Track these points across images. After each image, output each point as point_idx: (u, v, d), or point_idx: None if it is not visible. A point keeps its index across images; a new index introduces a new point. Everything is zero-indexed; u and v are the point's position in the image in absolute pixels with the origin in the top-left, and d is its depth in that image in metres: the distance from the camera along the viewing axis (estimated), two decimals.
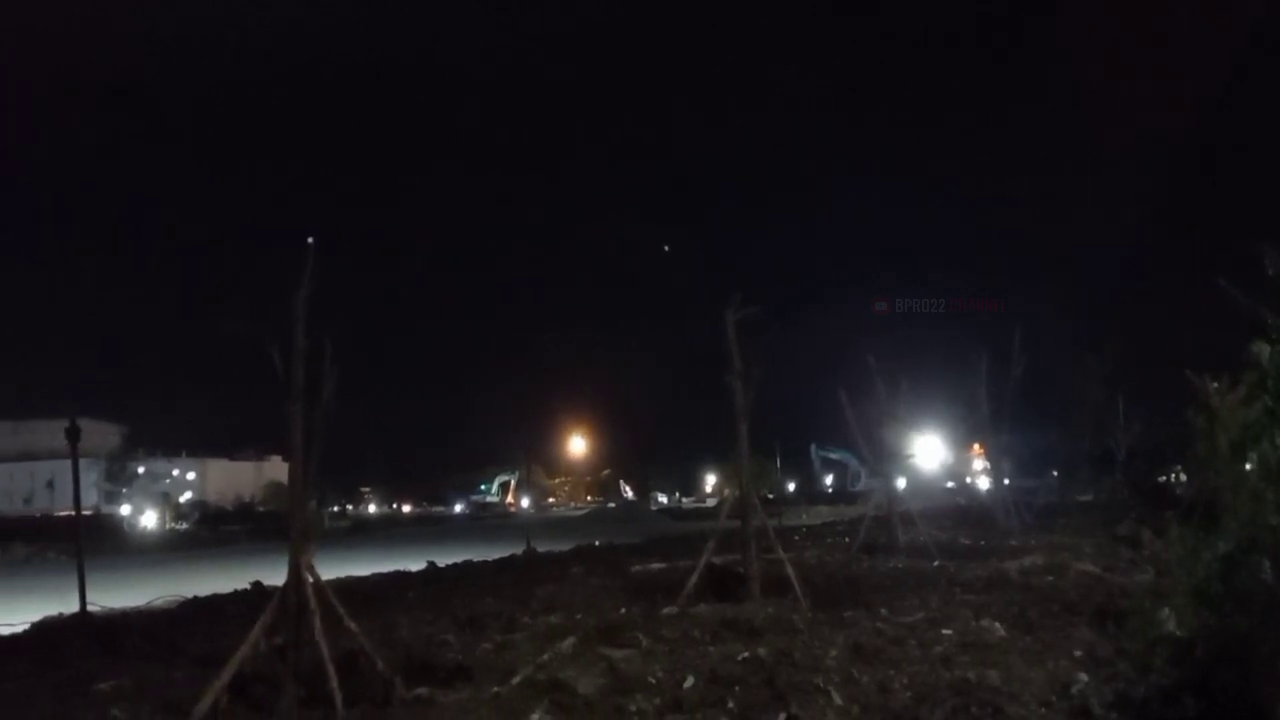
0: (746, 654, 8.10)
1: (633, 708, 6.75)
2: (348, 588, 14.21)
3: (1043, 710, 6.36)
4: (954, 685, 6.88)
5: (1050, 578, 12.83)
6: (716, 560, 12.53)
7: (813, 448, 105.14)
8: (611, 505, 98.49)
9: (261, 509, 71.30)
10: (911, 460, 35.17)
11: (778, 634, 9.16)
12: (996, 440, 28.65)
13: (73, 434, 15.02)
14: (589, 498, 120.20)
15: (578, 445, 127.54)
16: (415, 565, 19.97)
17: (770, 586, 11.68)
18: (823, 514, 45.64)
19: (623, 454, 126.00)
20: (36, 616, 13.28)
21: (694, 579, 11.69)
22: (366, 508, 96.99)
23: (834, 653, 8.12)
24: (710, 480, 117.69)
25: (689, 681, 7.31)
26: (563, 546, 25.70)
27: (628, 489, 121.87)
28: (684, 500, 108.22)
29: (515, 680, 7.64)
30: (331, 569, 7.72)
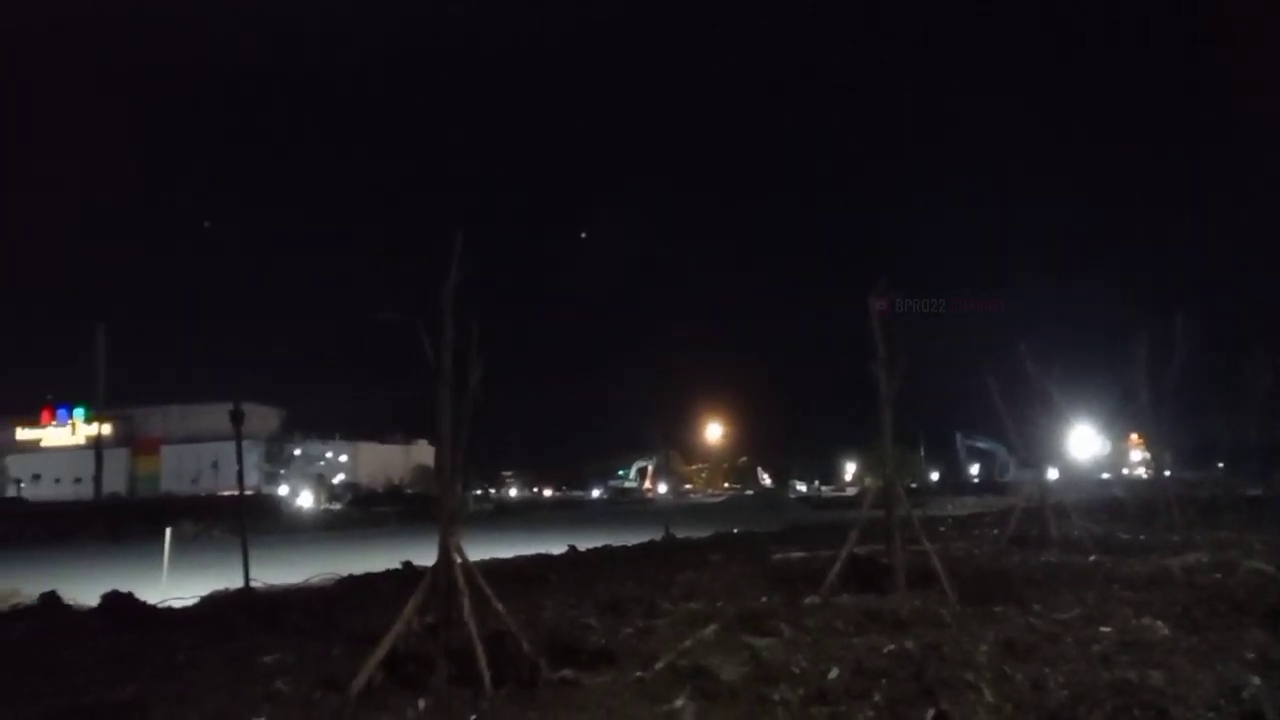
0: (893, 647, 7.85)
1: (776, 697, 6.64)
2: (492, 570, 14.56)
3: (1211, 715, 5.96)
4: (1114, 685, 6.50)
5: (1217, 575, 11.99)
6: (859, 550, 12.23)
7: (959, 436, 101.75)
8: (749, 493, 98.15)
9: (409, 491, 74.18)
10: (1064, 451, 33.53)
11: (925, 627, 8.87)
12: (1157, 431, 26.89)
13: (236, 418, 15.90)
14: (726, 485, 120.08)
15: (715, 432, 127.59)
16: (557, 549, 20.31)
17: (916, 579, 11.31)
18: (968, 505, 44.06)
19: (761, 441, 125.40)
20: (205, 591, 14.18)
21: (836, 568, 11.44)
22: (507, 492, 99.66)
23: (984, 648, 7.77)
24: (850, 469, 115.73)
25: (833, 673, 7.13)
26: (701, 533, 25.67)
27: (765, 476, 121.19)
28: (823, 489, 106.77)
29: (658, 666, 7.63)
30: (476, 551, 7.90)
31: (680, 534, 25.16)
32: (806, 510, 51.52)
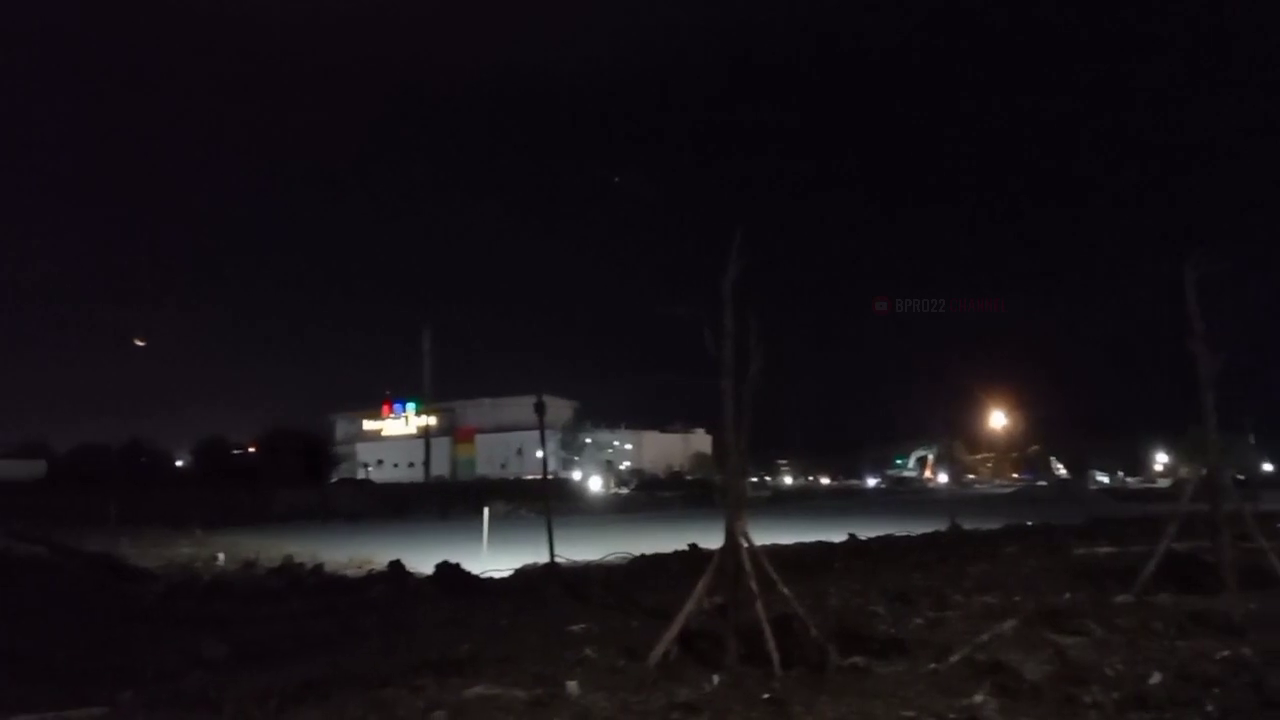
0: (1226, 652, 7.17)
1: (1087, 699, 6.27)
2: (774, 555, 14.72)
3: None
4: None
5: None
6: (1177, 546, 11.19)
7: None
8: (1042, 483, 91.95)
9: (689, 477, 76.34)
10: None
11: (1264, 632, 8.01)
12: None
13: (540, 408, 17.29)
14: (1014, 475, 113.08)
15: (1000, 419, 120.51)
16: (836, 537, 20.20)
17: (1246, 579, 10.19)
18: None
19: (1054, 429, 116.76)
20: (517, 564, 15.61)
21: (1152, 565, 10.55)
22: (783, 479, 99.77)
23: None
24: (1160, 459, 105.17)
25: (1154, 677, 6.64)
26: (990, 525, 24.50)
27: (1060, 466, 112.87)
28: (1128, 479, 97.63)
29: (953, 658, 7.46)
30: (757, 536, 8.07)
31: (967, 525, 24.17)
32: (1110, 502, 47.49)
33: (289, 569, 16.77)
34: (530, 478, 64.43)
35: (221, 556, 20.17)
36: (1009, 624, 8.66)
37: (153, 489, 46.52)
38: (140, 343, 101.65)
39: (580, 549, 17.61)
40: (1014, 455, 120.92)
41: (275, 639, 9.33)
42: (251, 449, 71.59)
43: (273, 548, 22.08)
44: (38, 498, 41.08)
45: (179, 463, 69.58)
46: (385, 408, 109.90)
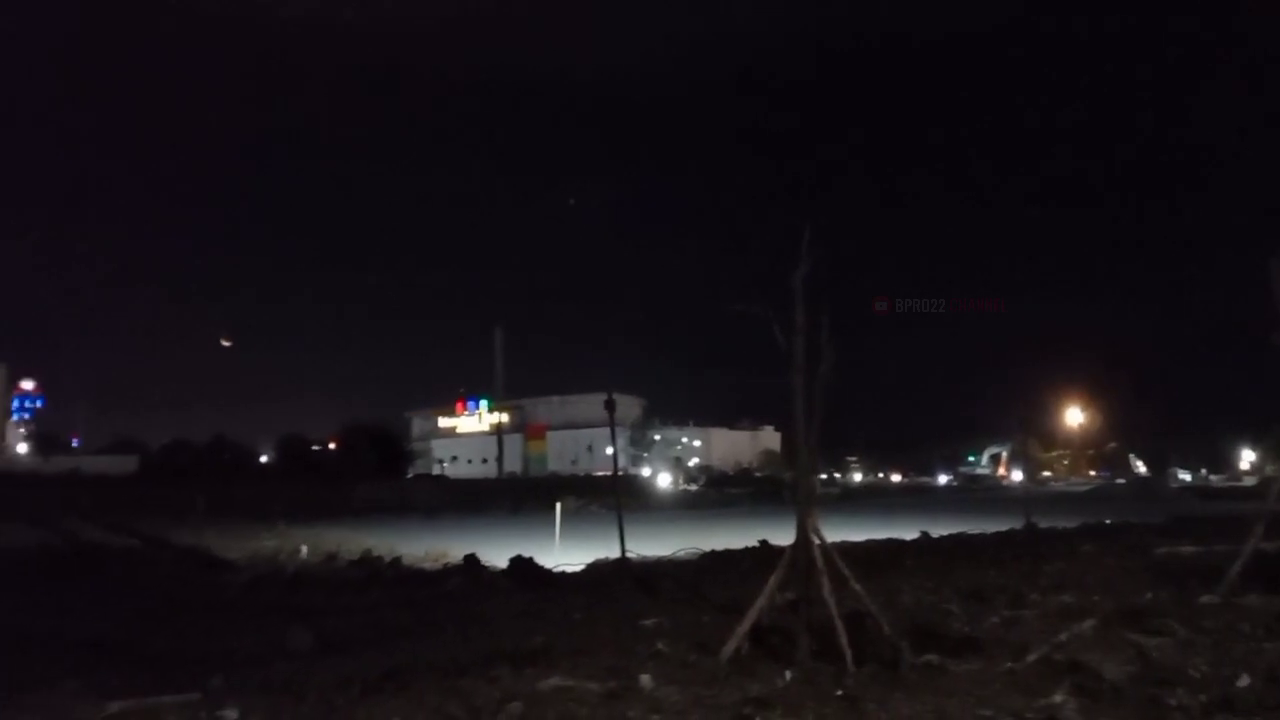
0: None
1: (1172, 701, 6.13)
2: (845, 552, 14.54)
3: None
4: None
5: None
6: (1266, 546, 10.82)
7: None
8: (1120, 481, 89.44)
9: (758, 474, 76.02)
10: None
11: None
12: None
13: (610, 406, 17.44)
14: (1091, 473, 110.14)
15: (1077, 416, 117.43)
16: (907, 534, 19.97)
17: None
18: None
19: (1133, 425, 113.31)
20: (588, 558, 15.77)
21: (1238, 565, 10.21)
22: (852, 476, 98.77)
23: None
24: (1246, 456, 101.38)
25: (1242, 680, 6.46)
26: (1067, 523, 23.95)
27: (1139, 463, 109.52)
28: (1212, 477, 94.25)
29: (1030, 658, 7.34)
30: (826, 533, 8.05)
31: (1042, 523, 23.66)
32: (1193, 501, 45.99)
33: (368, 561, 17.23)
34: (600, 474, 65.00)
35: (304, 549, 20.79)
36: (1088, 623, 8.48)
37: (237, 483, 48.16)
38: (226, 343, 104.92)
39: (650, 544, 17.71)
40: (1091, 452, 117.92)
41: (356, 629, 9.62)
42: (330, 445, 73.44)
43: (352, 541, 22.68)
44: (130, 491, 42.90)
45: (262, 458, 71.66)
46: (459, 405, 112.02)
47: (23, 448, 78.48)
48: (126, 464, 64.30)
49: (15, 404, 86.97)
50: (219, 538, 23.17)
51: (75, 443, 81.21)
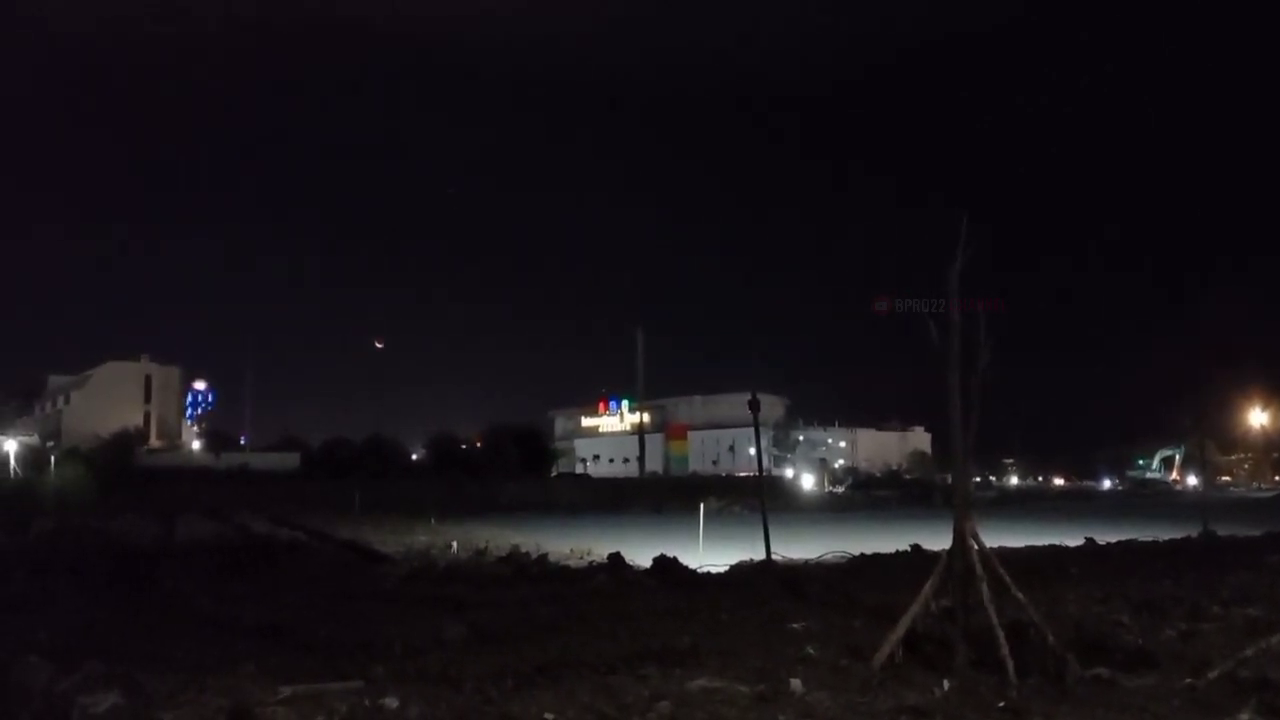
0: None
1: None
2: (1003, 558, 13.97)
3: None
4: None
5: None
6: None
7: None
8: None
9: (908, 476, 73.96)
10: None
11: None
12: None
13: (754, 406, 17.31)
14: (1277, 478, 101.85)
15: (1259, 417, 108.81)
16: (1071, 540, 19.01)
17: None
18: None
19: None
20: (732, 559, 15.69)
21: None
22: (1008, 479, 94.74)
23: None
24: None
25: None
26: (1250, 531, 22.28)
27: None
28: None
29: (1212, 674, 6.86)
30: (984, 538, 7.73)
31: (1222, 531, 22.08)
32: None
33: (516, 557, 17.69)
34: (742, 474, 64.68)
35: (455, 544, 21.56)
36: (1277, 639, 7.82)
37: (391, 480, 50.44)
38: (379, 345, 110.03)
39: (795, 547, 17.47)
40: (1276, 456, 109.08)
41: (507, 623, 9.87)
42: (477, 444, 75.86)
43: (500, 537, 23.38)
44: (293, 488, 45.56)
45: (414, 456, 74.65)
46: (601, 405, 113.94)
47: (196, 444, 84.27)
48: (290, 461, 68.06)
49: (189, 400, 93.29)
50: (375, 532, 24.33)
51: (243, 440, 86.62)
